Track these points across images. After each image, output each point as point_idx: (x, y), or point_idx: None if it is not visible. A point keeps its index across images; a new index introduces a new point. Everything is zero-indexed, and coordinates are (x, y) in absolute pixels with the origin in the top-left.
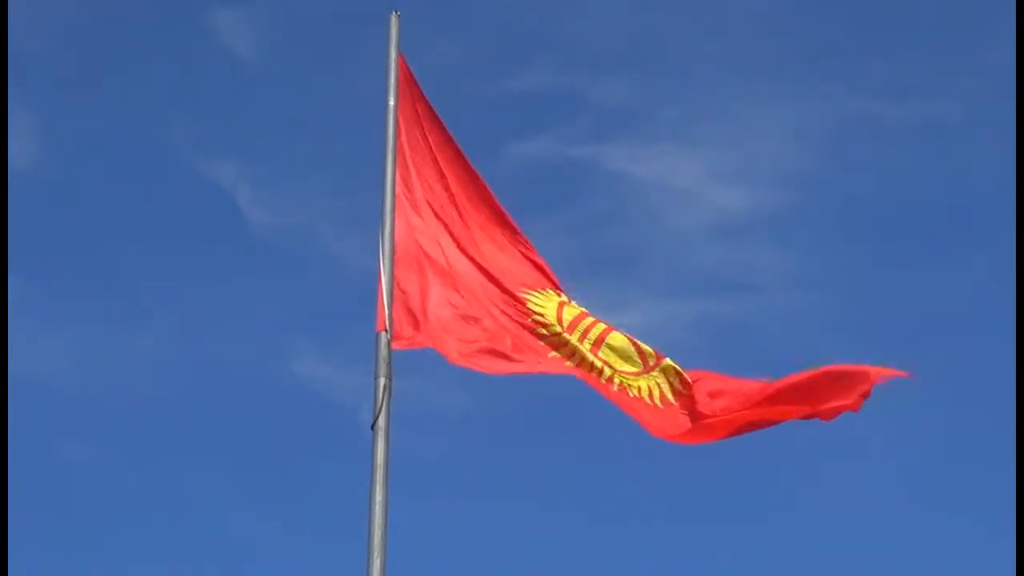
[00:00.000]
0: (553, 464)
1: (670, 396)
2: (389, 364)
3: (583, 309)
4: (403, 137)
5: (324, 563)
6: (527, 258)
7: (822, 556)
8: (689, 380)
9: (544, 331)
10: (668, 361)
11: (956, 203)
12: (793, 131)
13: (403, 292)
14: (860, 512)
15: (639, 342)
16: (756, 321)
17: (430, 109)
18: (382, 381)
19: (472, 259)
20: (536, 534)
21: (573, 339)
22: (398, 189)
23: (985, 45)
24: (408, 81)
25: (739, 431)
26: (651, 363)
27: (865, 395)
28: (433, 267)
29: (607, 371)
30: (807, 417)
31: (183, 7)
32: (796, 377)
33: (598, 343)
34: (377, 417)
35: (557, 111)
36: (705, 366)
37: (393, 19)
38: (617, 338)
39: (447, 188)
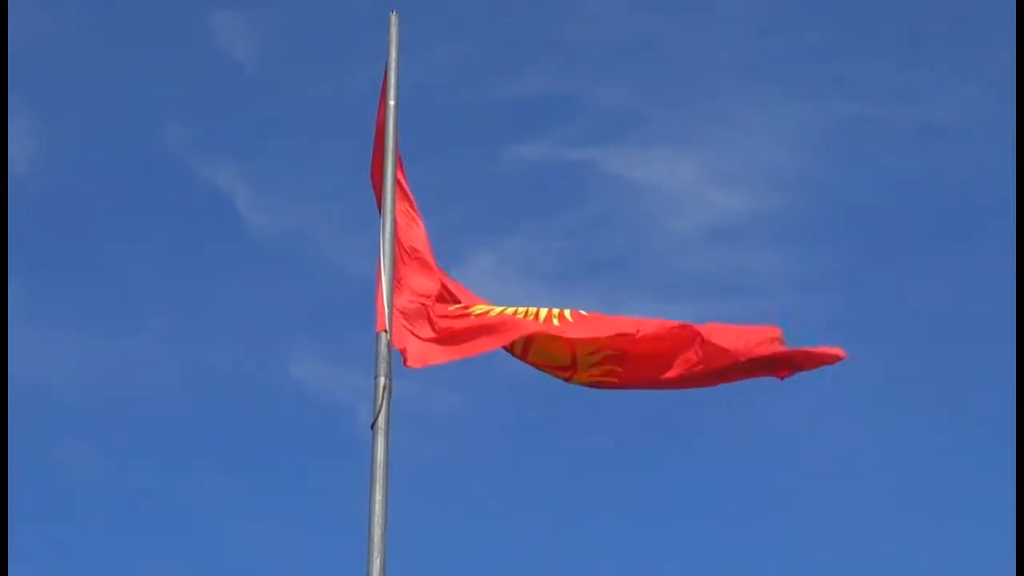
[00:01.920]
0: (551, 465)
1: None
2: (389, 364)
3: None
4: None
5: (324, 563)
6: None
7: (823, 558)
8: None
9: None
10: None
11: (955, 206)
12: (791, 134)
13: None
14: (861, 513)
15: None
16: (754, 324)
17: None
18: (382, 380)
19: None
20: (535, 535)
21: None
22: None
23: (984, 48)
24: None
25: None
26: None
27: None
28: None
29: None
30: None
31: (181, 10)
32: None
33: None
34: (377, 416)
35: (555, 114)
36: None
37: (393, 19)
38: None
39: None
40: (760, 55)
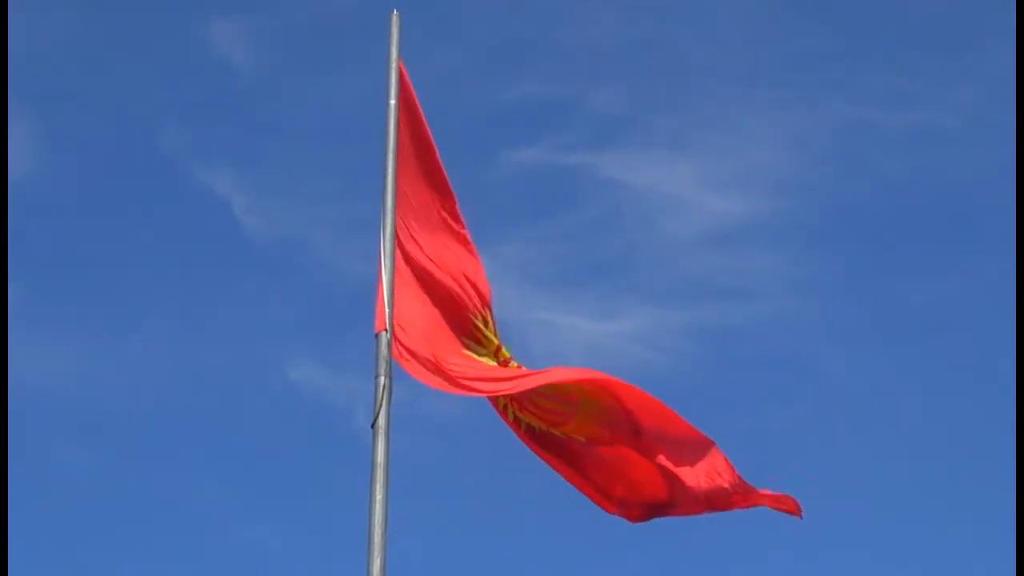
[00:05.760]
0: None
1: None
2: (389, 363)
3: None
4: (404, 139)
5: (324, 563)
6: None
7: (824, 556)
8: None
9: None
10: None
11: (953, 210)
12: (789, 138)
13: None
14: (862, 513)
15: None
16: (751, 328)
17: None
18: (382, 380)
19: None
20: (535, 535)
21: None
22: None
23: (982, 52)
24: (407, 89)
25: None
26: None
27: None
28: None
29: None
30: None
31: (179, 16)
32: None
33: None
34: (377, 416)
35: (551, 119)
36: (701, 370)
37: (393, 18)
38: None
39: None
40: (757, 58)
